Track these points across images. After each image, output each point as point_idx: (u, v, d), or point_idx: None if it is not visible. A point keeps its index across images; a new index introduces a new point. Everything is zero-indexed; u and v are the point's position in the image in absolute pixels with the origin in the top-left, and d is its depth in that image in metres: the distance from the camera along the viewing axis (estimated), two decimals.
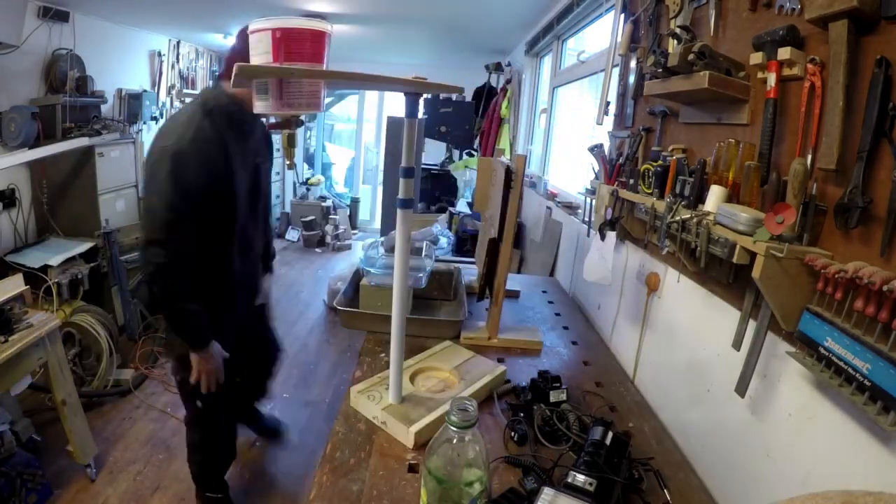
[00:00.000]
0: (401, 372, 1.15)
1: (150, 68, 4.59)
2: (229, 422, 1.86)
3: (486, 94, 4.93)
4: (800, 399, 0.83)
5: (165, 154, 1.32)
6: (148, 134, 4.51)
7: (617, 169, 1.47)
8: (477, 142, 4.99)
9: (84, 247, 3.09)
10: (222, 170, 1.40)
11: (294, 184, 6.81)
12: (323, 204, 6.25)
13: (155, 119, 4.46)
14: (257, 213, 1.66)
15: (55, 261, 2.85)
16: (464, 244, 3.56)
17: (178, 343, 1.54)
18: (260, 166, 1.62)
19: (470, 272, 2.08)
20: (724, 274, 1.00)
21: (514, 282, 2.04)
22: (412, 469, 1.01)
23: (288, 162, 1.21)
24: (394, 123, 4.75)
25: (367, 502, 0.92)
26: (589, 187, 1.65)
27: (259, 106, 0.88)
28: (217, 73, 1.40)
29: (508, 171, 1.45)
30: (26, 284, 1.96)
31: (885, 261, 0.69)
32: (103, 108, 3.72)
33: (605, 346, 1.68)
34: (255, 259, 1.74)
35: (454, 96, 5.46)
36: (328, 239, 5.97)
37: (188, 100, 5.08)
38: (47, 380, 1.92)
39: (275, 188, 6.35)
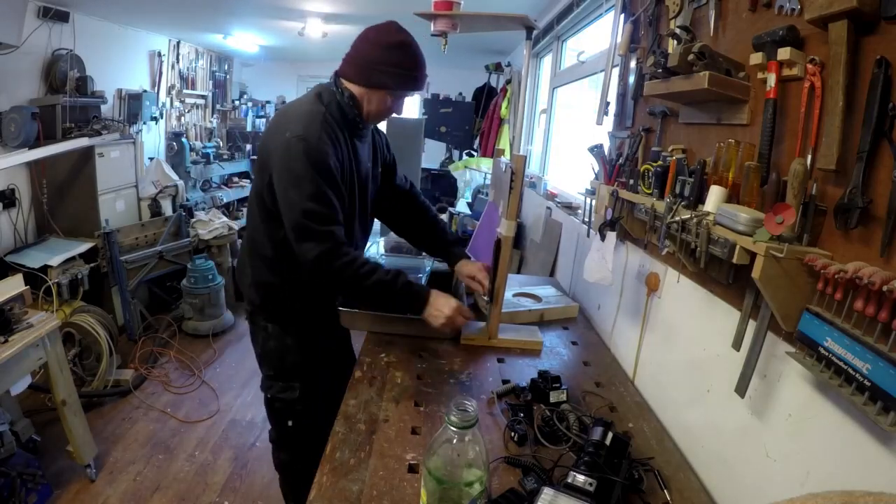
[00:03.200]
0: None
1: (150, 68, 4.59)
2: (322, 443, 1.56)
3: (486, 95, 4.93)
4: (800, 399, 0.83)
5: (296, 146, 1.25)
6: (148, 134, 4.51)
7: (617, 169, 1.47)
8: (477, 142, 4.99)
9: (84, 247, 3.09)
10: (346, 164, 1.35)
11: None
12: None
13: (155, 119, 4.46)
14: (366, 218, 1.56)
15: (55, 261, 2.85)
16: (464, 244, 3.55)
17: (276, 353, 1.48)
18: (371, 170, 1.53)
19: None
20: (723, 274, 1.00)
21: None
22: (412, 469, 1.01)
23: None
24: (393, 123, 4.75)
25: (367, 502, 0.92)
26: (589, 188, 1.65)
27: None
28: (336, 72, 1.40)
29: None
30: (26, 284, 1.96)
31: (885, 261, 0.69)
32: (103, 108, 3.72)
33: (605, 346, 1.68)
34: None
35: (454, 97, 5.47)
36: None
37: (188, 100, 5.12)
38: (47, 380, 1.93)
39: None
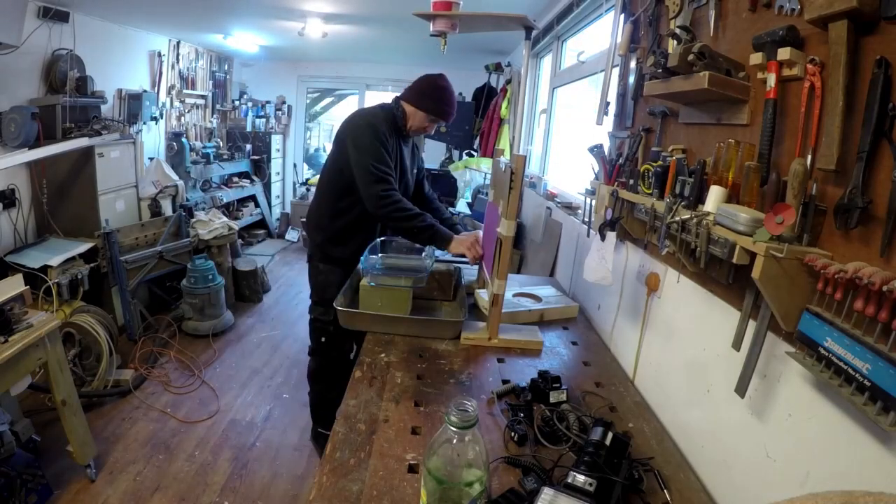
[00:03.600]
0: None
1: (150, 68, 4.59)
2: (347, 359, 2.22)
3: (485, 95, 4.93)
4: (800, 399, 0.83)
5: (362, 126, 1.90)
6: (148, 134, 4.51)
7: (617, 169, 1.47)
8: (477, 142, 4.99)
9: (84, 247, 3.09)
10: (393, 154, 1.93)
11: (294, 184, 6.81)
12: None
13: (155, 119, 4.46)
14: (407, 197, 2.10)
15: (55, 261, 2.85)
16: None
17: (321, 286, 2.09)
18: (408, 168, 2.11)
19: (470, 272, 2.08)
20: (723, 274, 1.00)
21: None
22: (412, 469, 1.01)
23: None
24: None
25: (367, 502, 0.92)
26: (589, 188, 1.65)
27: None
28: (396, 96, 2.03)
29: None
30: (26, 284, 1.96)
31: (885, 261, 0.69)
32: (103, 108, 3.72)
33: (605, 346, 1.68)
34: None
35: None
36: None
37: (188, 100, 5.12)
38: (47, 380, 1.92)
39: (275, 188, 6.36)
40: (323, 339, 2.13)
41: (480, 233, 1.91)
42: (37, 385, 2.38)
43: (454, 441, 0.79)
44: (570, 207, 2.38)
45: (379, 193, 1.82)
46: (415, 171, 2.20)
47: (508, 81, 4.37)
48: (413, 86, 1.98)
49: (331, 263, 2.07)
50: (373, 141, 1.85)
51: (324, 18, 3.78)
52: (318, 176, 7.34)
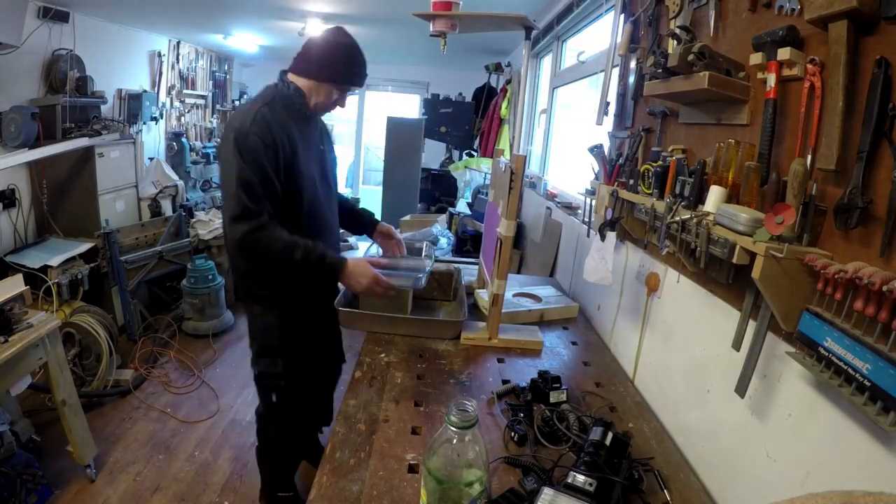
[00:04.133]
0: None
1: (150, 68, 4.58)
2: (303, 419, 1.86)
3: (485, 95, 4.93)
4: (800, 399, 0.83)
5: (229, 139, 1.39)
6: (148, 134, 4.51)
7: (617, 169, 1.47)
8: (477, 142, 4.99)
9: (84, 247, 3.09)
10: (287, 150, 1.44)
11: None
12: None
13: (155, 119, 4.45)
14: (331, 199, 1.68)
15: (55, 261, 2.85)
16: (464, 244, 3.56)
17: (260, 331, 1.63)
18: (325, 153, 1.67)
19: (470, 272, 2.08)
20: (723, 274, 1.00)
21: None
22: (412, 469, 1.01)
23: None
24: (393, 123, 4.76)
25: (367, 502, 0.93)
26: (589, 188, 1.65)
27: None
28: (283, 69, 1.54)
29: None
30: (26, 284, 1.96)
31: (885, 261, 0.69)
32: (103, 108, 3.72)
33: (605, 346, 1.68)
34: (336, 244, 1.76)
35: (454, 97, 5.47)
36: None
37: (188, 100, 5.12)
38: (47, 380, 1.92)
39: None
40: (274, 398, 1.67)
41: (377, 265, 1.56)
42: (37, 385, 2.37)
43: (454, 441, 0.79)
44: (570, 207, 2.38)
45: (239, 235, 1.35)
46: (333, 154, 1.76)
47: (508, 81, 4.37)
48: (304, 54, 1.49)
49: (263, 304, 1.60)
50: (235, 158, 1.35)
51: (324, 18, 3.78)
52: None
